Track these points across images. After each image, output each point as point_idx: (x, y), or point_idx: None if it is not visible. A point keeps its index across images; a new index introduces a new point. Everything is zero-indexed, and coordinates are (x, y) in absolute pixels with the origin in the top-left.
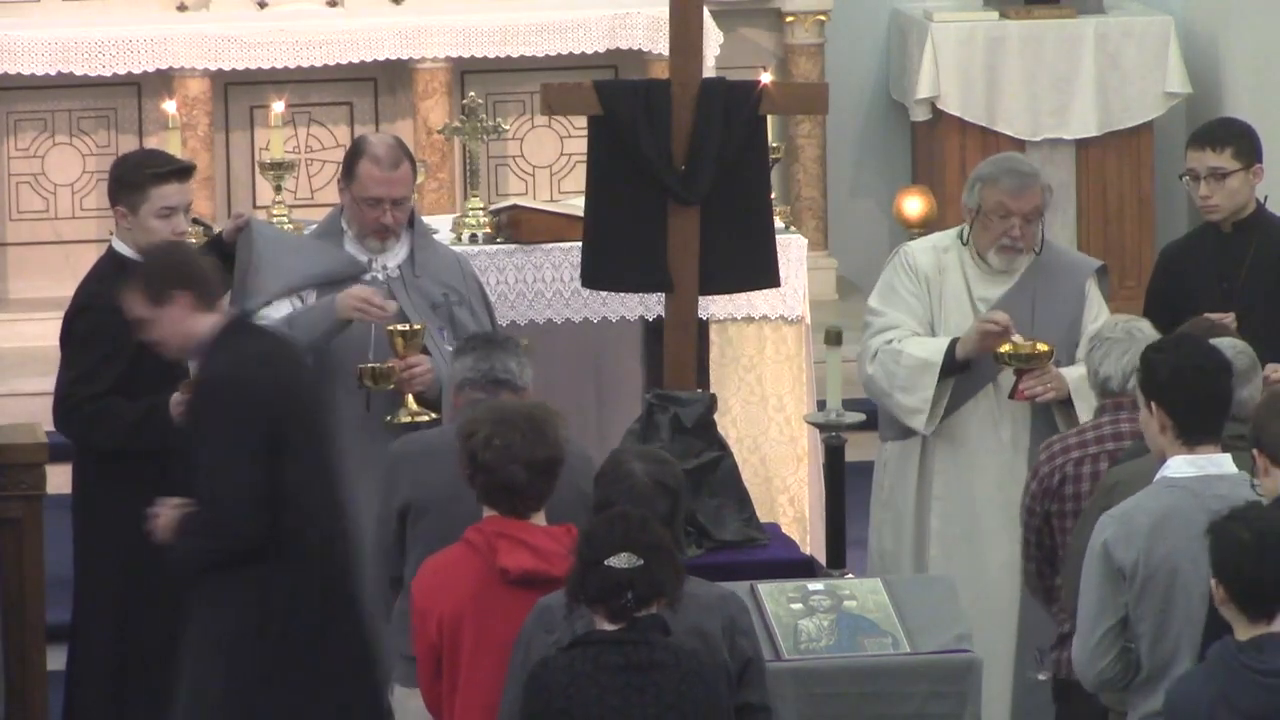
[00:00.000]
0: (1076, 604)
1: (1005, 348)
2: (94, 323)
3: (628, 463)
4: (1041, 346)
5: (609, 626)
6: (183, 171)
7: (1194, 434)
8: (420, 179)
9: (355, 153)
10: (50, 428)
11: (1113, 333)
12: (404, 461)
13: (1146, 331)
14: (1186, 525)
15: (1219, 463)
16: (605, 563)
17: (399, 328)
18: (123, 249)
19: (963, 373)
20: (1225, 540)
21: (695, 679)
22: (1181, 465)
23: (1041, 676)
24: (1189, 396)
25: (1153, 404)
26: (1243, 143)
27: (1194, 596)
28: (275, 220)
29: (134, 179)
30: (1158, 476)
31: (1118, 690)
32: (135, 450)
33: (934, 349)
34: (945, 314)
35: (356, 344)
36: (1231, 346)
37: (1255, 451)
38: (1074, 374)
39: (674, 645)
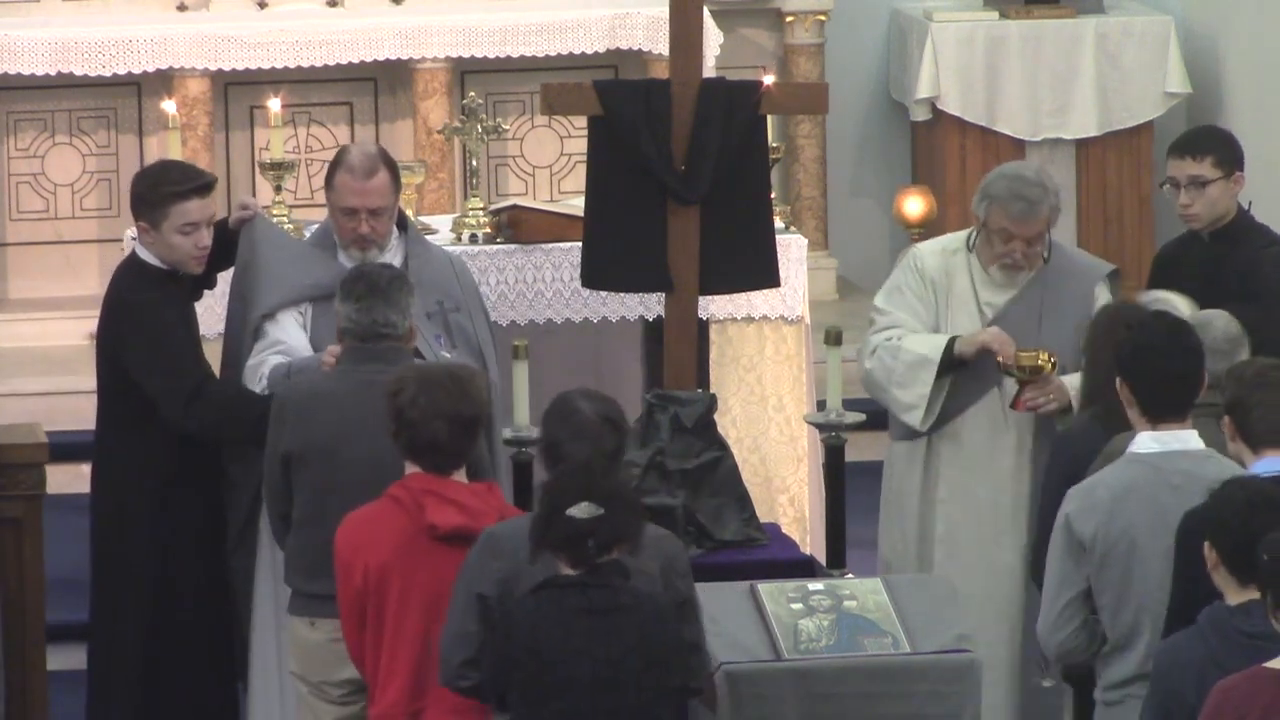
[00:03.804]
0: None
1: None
2: (144, 318)
3: (574, 400)
4: (1045, 359)
5: (571, 572)
6: (204, 187)
7: (1157, 411)
8: (420, 179)
9: (335, 163)
10: (50, 427)
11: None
12: (287, 408)
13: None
14: (1147, 499)
15: (1183, 439)
16: (567, 512)
17: None
18: (146, 256)
19: (961, 369)
20: (1218, 500)
21: (655, 621)
22: (1147, 441)
23: (1047, 683)
24: (1152, 376)
25: (1120, 381)
26: (1223, 151)
27: (1152, 569)
28: (275, 220)
29: (154, 196)
30: (1126, 451)
31: (1080, 660)
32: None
33: (933, 345)
34: (952, 316)
35: None
36: (1222, 318)
37: (1227, 418)
38: (1076, 382)
39: (634, 589)
